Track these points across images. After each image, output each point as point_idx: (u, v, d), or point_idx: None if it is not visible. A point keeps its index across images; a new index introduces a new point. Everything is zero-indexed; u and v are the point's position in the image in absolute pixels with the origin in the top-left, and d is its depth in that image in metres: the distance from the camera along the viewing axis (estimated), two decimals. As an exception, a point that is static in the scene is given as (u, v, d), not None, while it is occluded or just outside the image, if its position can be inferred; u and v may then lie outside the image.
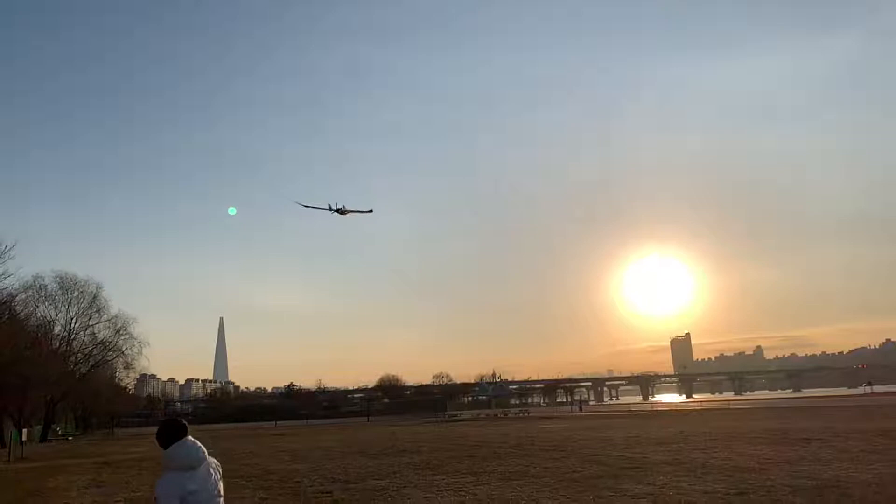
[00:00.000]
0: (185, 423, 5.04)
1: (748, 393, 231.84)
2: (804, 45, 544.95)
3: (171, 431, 4.87)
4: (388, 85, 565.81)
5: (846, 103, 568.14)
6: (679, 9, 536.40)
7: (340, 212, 71.99)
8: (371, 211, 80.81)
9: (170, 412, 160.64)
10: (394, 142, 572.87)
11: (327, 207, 71.30)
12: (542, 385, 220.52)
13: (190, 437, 4.91)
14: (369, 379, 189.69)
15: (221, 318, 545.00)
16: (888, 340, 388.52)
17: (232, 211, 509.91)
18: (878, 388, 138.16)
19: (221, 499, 4.96)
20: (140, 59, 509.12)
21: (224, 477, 5.00)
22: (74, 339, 74.64)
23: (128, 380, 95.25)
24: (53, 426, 77.25)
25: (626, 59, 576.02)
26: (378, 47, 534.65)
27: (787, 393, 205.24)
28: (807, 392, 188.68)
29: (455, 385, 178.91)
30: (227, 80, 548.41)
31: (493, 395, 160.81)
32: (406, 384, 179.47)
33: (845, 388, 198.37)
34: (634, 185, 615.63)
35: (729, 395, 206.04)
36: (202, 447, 4.92)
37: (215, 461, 5.05)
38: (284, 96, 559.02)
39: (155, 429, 5.07)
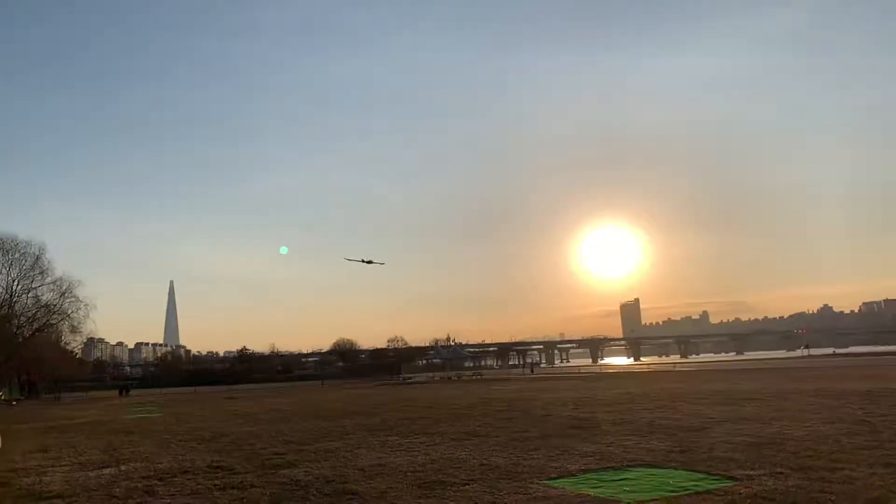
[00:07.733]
0: None
1: (694, 356, 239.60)
2: (753, 14, 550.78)
3: None
4: (350, 48, 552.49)
5: (793, 74, 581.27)
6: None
7: (369, 263, 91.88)
8: (383, 263, 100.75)
9: (119, 376, 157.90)
10: (350, 106, 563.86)
11: (361, 260, 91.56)
12: (495, 348, 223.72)
13: None
14: (324, 343, 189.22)
15: (171, 282, 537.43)
16: (825, 306, 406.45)
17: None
18: (815, 351, 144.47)
19: None
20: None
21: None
22: (16, 302, 72.76)
23: (74, 343, 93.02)
24: (-4, 390, 75.29)
25: (575, 33, 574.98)
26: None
27: (731, 356, 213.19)
28: (749, 355, 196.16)
29: (410, 349, 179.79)
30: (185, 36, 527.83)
31: (447, 358, 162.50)
32: (361, 348, 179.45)
33: (785, 351, 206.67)
34: (587, 156, 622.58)
35: (675, 358, 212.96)
36: None
37: None
38: (240, 56, 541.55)
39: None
